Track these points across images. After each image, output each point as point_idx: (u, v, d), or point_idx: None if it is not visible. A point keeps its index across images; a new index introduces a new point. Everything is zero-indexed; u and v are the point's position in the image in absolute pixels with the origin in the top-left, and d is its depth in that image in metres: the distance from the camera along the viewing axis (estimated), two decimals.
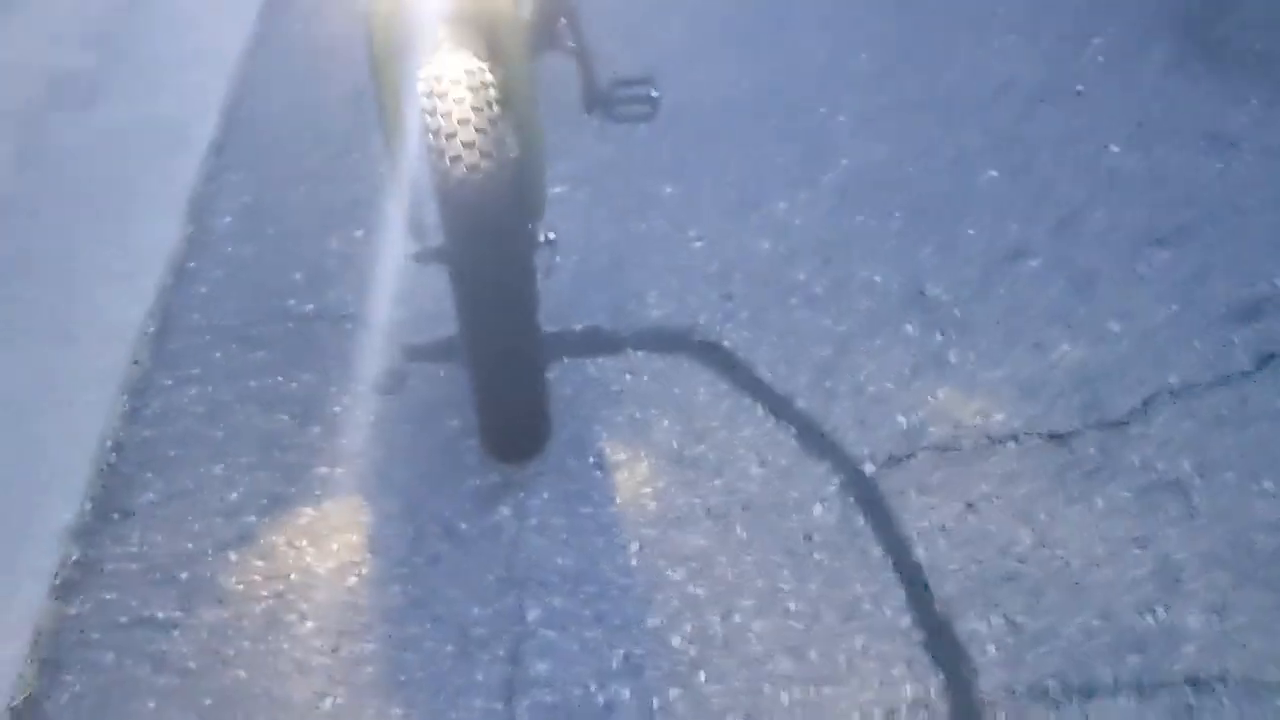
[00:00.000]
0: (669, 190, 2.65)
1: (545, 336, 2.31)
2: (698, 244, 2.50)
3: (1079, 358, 2.14)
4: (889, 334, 2.25)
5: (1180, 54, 2.80)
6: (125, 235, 2.68)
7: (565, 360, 2.28)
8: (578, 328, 2.35)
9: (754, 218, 2.55)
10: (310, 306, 2.45)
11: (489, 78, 1.73)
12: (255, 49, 3.19)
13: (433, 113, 1.68)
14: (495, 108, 1.71)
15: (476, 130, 1.66)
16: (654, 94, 2.59)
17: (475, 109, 1.68)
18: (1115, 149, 2.56)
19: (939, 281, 2.33)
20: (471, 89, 1.70)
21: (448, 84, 1.69)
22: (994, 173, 2.56)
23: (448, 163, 1.65)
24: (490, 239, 1.68)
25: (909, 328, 2.25)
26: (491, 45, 1.85)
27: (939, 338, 2.22)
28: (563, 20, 2.57)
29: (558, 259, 2.14)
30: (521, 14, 2.12)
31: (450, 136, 1.65)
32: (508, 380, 1.89)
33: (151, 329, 2.43)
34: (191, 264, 2.58)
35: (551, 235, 2.01)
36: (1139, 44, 2.85)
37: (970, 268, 2.35)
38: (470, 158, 1.65)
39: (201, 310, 2.47)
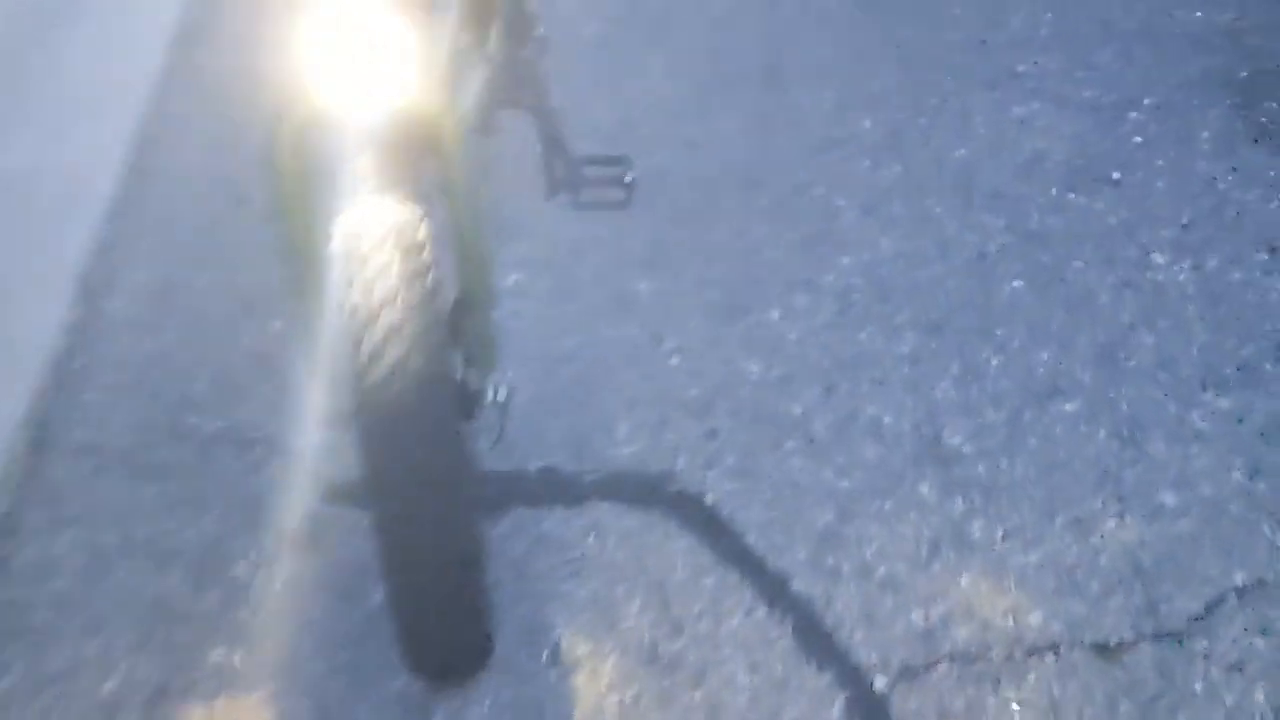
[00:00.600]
0: (644, 286, 2.27)
1: (492, 477, 1.95)
2: (676, 359, 2.14)
3: (1128, 540, 1.81)
4: (901, 496, 1.90)
5: (1229, 135, 2.45)
6: (2, 320, 2.27)
7: (516, 511, 1.92)
8: (532, 468, 1.98)
9: (742, 328, 2.18)
10: (216, 425, 2.07)
11: (424, 231, 1.35)
12: (165, 86, 2.76)
13: (349, 284, 1.30)
14: (432, 275, 1.33)
15: (405, 310, 1.29)
16: (629, 178, 2.22)
17: (405, 279, 1.30)
18: (1160, 258, 2.22)
19: (959, 427, 1.98)
20: (402, 251, 1.32)
21: (369, 245, 1.31)
22: (1019, 282, 2.21)
23: (365, 358, 1.27)
24: (418, 460, 1.31)
25: (924, 488, 1.90)
26: (428, 161, 1.47)
27: (960, 504, 1.88)
28: (526, 86, 2.18)
29: (511, 406, 1.77)
30: (463, 106, 1.75)
31: (371, 322, 1.27)
32: (436, 601, 1.51)
33: (25, 448, 2.03)
34: (78, 363, 2.18)
35: (502, 392, 1.64)
36: (1181, 120, 2.50)
37: (995, 409, 2.00)
38: (394, 352, 1.27)
39: (86, 425, 2.07)
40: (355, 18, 1.33)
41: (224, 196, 2.48)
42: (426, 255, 1.34)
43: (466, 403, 1.58)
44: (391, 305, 1.28)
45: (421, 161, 1.44)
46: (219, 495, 1.96)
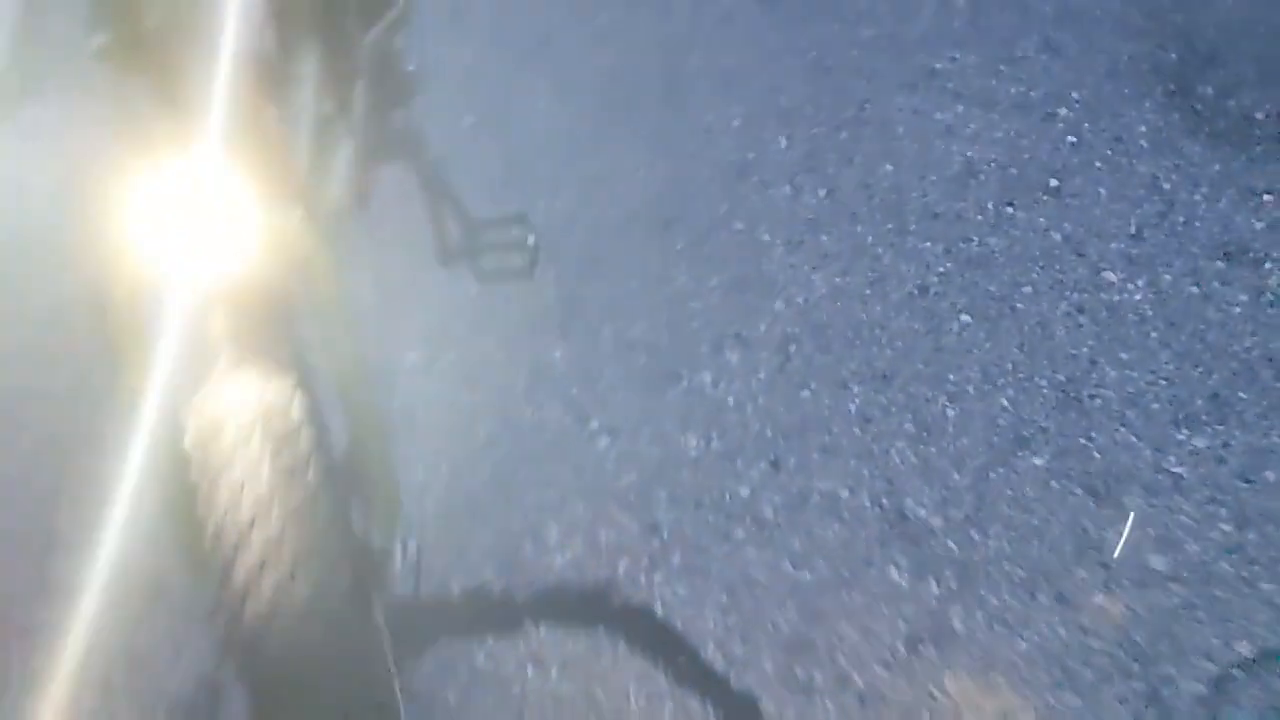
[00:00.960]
0: (559, 355, 2.05)
1: (413, 606, 1.73)
2: (605, 441, 1.92)
3: (1119, 615, 1.65)
4: (870, 583, 1.72)
5: (1165, 128, 2.30)
6: None
7: (444, 644, 1.70)
8: (457, 590, 1.76)
9: (673, 396, 1.98)
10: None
11: (298, 407, 1.11)
12: None
13: (209, 495, 1.05)
14: (314, 467, 1.09)
15: (284, 522, 1.05)
16: (530, 240, 2.00)
17: (282, 479, 1.06)
18: (1112, 276, 2.06)
19: (923, 494, 1.81)
20: (273, 441, 1.08)
21: (233, 438, 1.07)
22: (966, 317, 2.03)
23: (236, 592, 1.03)
24: (316, 681, 1.08)
25: (894, 572, 1.73)
26: (293, 303, 1.23)
27: (935, 588, 1.70)
28: (403, 142, 1.94)
29: (423, 562, 1.56)
30: (332, 192, 1.52)
31: (239, 547, 1.03)
32: None
33: None
34: None
35: (411, 548, 1.42)
36: (1115, 115, 2.34)
37: (959, 470, 1.83)
38: (272, 579, 1.03)
39: None
40: (187, 155, 1.08)
41: (71, 278, 2.18)
42: (305, 440, 1.10)
43: (372, 569, 1.35)
44: (266, 518, 1.04)
45: (285, 309, 1.20)
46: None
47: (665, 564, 1.76)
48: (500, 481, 1.88)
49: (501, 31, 2.68)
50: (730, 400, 1.96)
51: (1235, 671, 1.58)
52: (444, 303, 2.12)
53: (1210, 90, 2.35)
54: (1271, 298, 1.99)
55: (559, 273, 2.17)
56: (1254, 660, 1.59)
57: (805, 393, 1.95)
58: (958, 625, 1.67)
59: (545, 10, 2.71)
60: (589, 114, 2.49)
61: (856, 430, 1.90)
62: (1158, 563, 1.70)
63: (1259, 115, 2.29)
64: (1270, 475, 1.78)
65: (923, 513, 1.78)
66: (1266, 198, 2.14)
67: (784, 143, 2.37)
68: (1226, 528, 1.73)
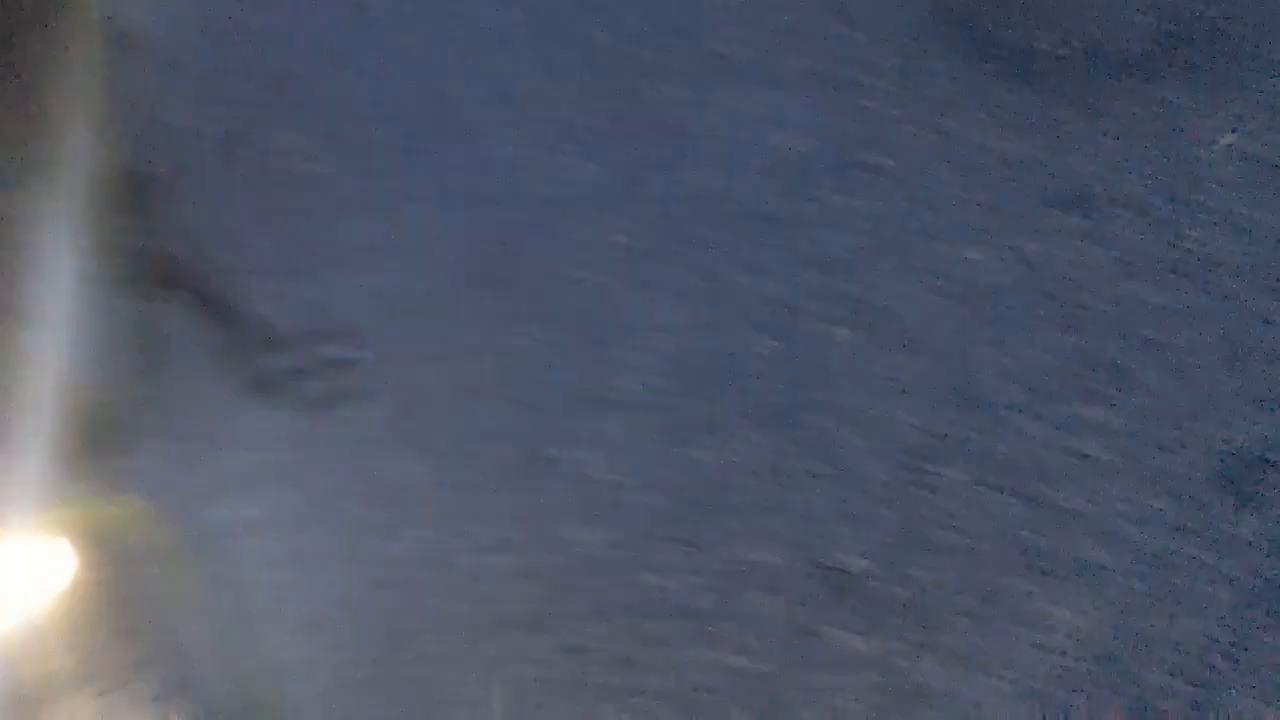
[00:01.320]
0: (415, 469, 1.80)
1: None
2: (494, 559, 1.70)
3: (1085, 626, 1.58)
4: (828, 656, 1.58)
5: (975, 77, 2.21)
6: None
7: None
8: None
9: (555, 487, 1.77)
10: None
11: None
12: None
13: None
14: None
15: None
16: (360, 355, 1.74)
17: None
18: (971, 253, 1.97)
19: (854, 541, 1.68)
20: None
21: None
22: (843, 330, 1.90)
23: None
24: None
25: (849, 637, 1.59)
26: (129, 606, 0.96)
27: (895, 644, 1.58)
28: (179, 269, 1.64)
29: None
30: (127, 389, 1.25)
31: None
32: None
33: None
34: None
35: None
36: (919, 73, 2.23)
37: (884, 505, 1.71)
38: None
39: None
40: None
41: None
42: None
43: None
44: None
45: (120, 618, 0.92)
46: None
47: (606, 691, 1.57)
48: (390, 636, 1.63)
49: (236, 76, 2.32)
50: (614, 476, 1.76)
51: (1212, 669, 1.53)
52: (271, 441, 1.82)
53: (1011, 32, 2.28)
54: (1133, 241, 1.95)
55: (390, 368, 1.90)
56: (1231, 645, 1.55)
57: (699, 451, 1.78)
58: (932, 680, 1.55)
59: (282, 45, 2.37)
60: (366, 165, 2.20)
61: (768, 484, 1.74)
62: (1105, 558, 1.63)
63: (1065, 51, 2.24)
64: (1181, 435, 1.74)
65: (860, 561, 1.65)
66: (1100, 140, 2.10)
67: (591, 167, 2.16)
68: (1159, 504, 1.68)
